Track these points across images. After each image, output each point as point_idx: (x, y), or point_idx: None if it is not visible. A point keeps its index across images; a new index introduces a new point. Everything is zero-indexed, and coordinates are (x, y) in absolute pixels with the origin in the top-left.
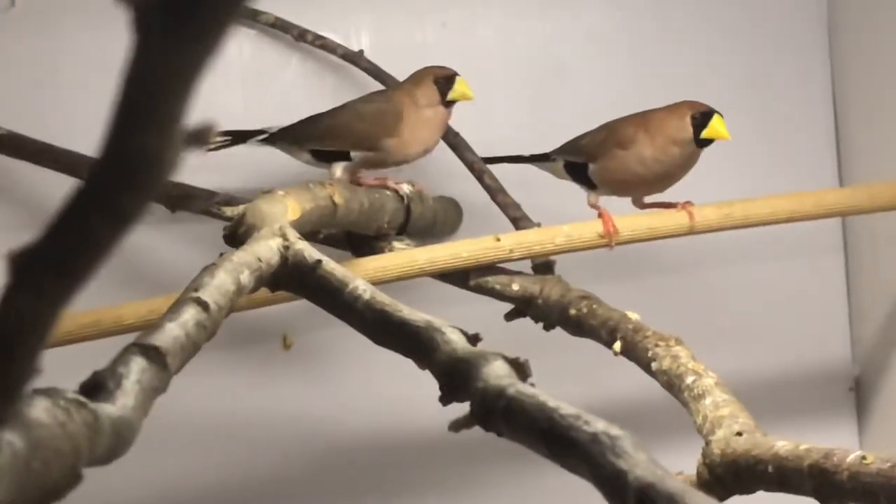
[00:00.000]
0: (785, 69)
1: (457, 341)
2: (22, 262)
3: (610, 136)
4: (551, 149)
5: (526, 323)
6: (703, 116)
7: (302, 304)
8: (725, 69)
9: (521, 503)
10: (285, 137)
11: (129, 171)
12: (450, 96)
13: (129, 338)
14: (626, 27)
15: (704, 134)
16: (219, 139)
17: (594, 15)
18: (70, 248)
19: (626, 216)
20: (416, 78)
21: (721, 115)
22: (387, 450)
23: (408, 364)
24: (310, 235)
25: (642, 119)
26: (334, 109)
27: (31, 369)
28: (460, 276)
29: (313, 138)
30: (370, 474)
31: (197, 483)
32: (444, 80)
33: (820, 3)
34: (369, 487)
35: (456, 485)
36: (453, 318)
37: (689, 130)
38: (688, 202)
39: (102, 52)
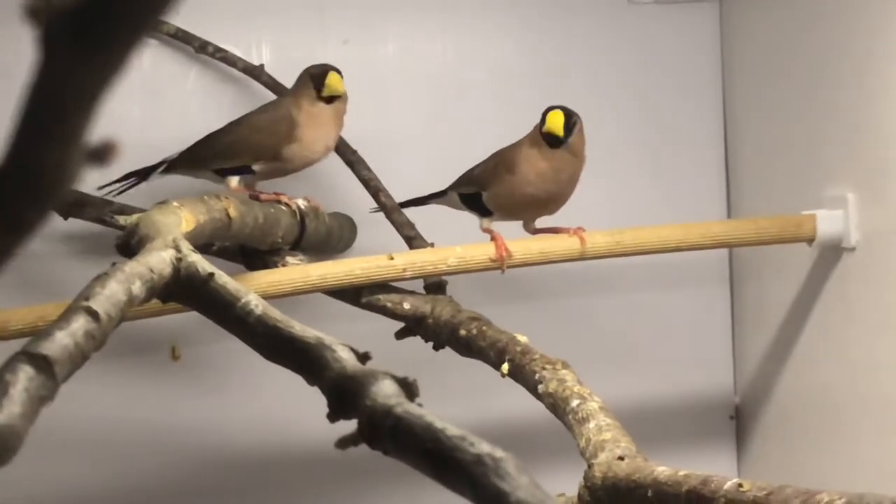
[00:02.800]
0: (679, 104)
1: (347, 359)
2: None
3: (499, 163)
4: (447, 169)
5: (416, 342)
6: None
7: (191, 316)
8: (622, 104)
9: None
10: (185, 162)
11: (29, 184)
12: (323, 92)
13: (14, 343)
14: (527, 58)
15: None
16: (122, 182)
17: (494, 43)
18: None
19: (518, 240)
20: (298, 79)
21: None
22: (272, 464)
23: (296, 380)
24: (203, 248)
25: (521, 143)
26: (229, 125)
27: None
28: (352, 294)
29: (214, 158)
30: (255, 487)
31: (81, 491)
32: (318, 75)
33: (714, 44)
34: (250, 498)
35: (340, 501)
36: (344, 335)
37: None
38: (579, 228)
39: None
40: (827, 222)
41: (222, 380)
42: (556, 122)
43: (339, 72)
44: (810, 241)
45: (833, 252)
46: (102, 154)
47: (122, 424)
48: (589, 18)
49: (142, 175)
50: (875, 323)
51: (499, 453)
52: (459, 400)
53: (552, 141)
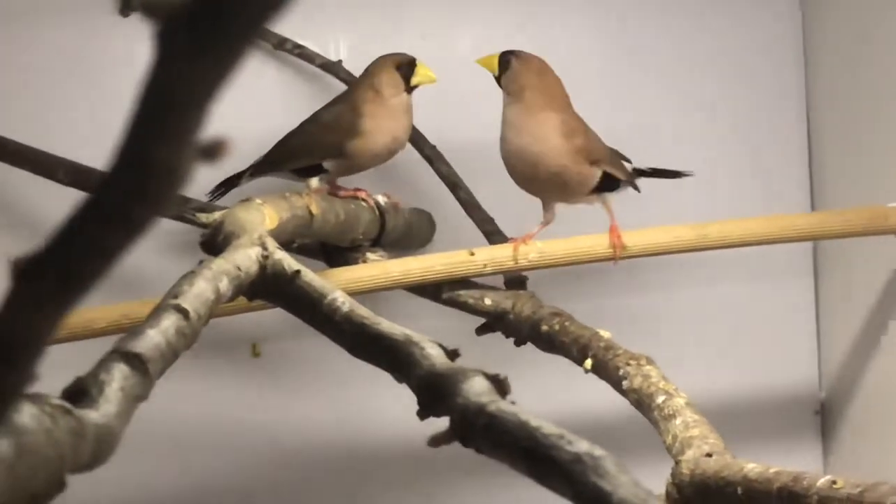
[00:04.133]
0: (759, 95)
1: (436, 356)
2: (25, 268)
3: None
4: None
5: (496, 337)
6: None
7: (271, 313)
8: (699, 94)
9: None
10: (266, 166)
11: (141, 183)
12: (413, 81)
13: (99, 342)
14: (602, 49)
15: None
16: (218, 192)
17: (573, 34)
18: (75, 257)
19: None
20: (375, 69)
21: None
22: (354, 461)
23: (377, 378)
24: (285, 245)
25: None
26: (300, 125)
27: (29, 376)
28: (432, 290)
29: (288, 159)
30: (336, 485)
31: (163, 489)
32: (406, 65)
33: (796, 28)
34: (332, 496)
35: (425, 498)
36: (424, 331)
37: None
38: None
39: (75, 53)
40: None
41: (303, 377)
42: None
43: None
44: None
45: None
46: (213, 151)
47: (202, 423)
48: (668, 8)
49: (230, 183)
50: None
51: (598, 451)
52: (541, 396)
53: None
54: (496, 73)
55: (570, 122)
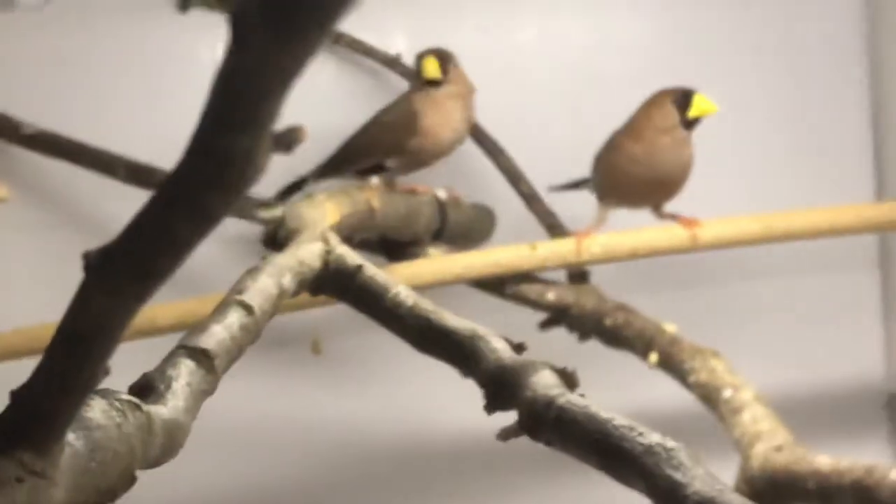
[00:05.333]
0: (823, 83)
1: (502, 350)
2: (99, 262)
3: (606, 150)
4: (588, 156)
5: (560, 333)
6: (684, 98)
7: (332, 310)
8: (761, 83)
9: None
10: (329, 168)
11: (216, 172)
12: (423, 76)
13: (160, 340)
14: (666, 41)
15: (691, 113)
16: (283, 196)
17: (631, 24)
18: (149, 248)
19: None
20: (421, 65)
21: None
22: (417, 458)
23: (440, 372)
24: (345, 240)
25: (628, 124)
26: (362, 127)
27: (102, 371)
28: (495, 284)
29: (352, 160)
30: (396, 480)
31: (223, 484)
32: (443, 57)
33: (861, 21)
34: (395, 493)
35: (493, 494)
36: (486, 326)
37: (675, 115)
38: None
39: (135, 50)
40: None
41: (364, 373)
42: (704, 106)
43: (438, 54)
44: None
45: None
46: (289, 140)
47: (264, 419)
48: (718, 2)
49: (297, 186)
50: None
51: (671, 443)
52: (606, 392)
53: (689, 124)
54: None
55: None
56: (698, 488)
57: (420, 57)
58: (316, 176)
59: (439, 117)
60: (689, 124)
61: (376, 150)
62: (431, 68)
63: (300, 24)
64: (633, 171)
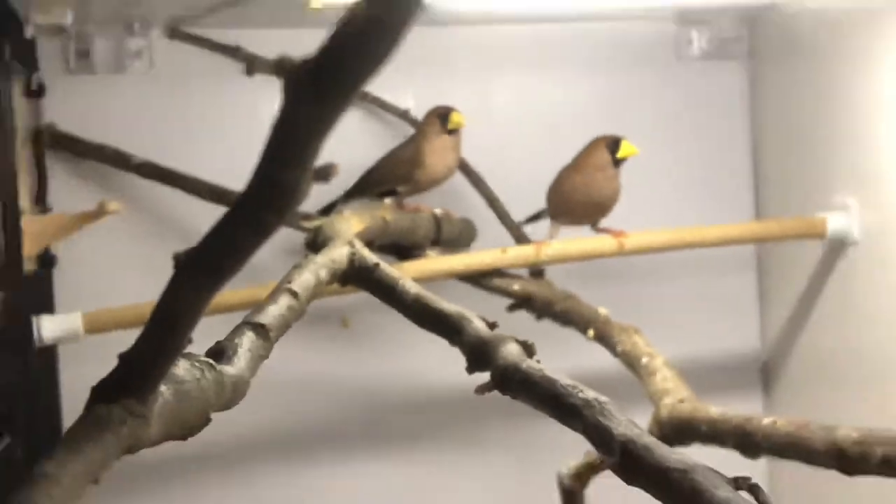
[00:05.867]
0: (716, 131)
1: (480, 327)
2: (185, 261)
3: (556, 181)
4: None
5: (522, 314)
6: (615, 143)
7: (356, 296)
8: (672, 132)
9: (522, 450)
10: (355, 192)
11: (271, 196)
12: (449, 126)
13: (231, 316)
14: (601, 103)
15: (619, 155)
16: (323, 213)
17: (575, 92)
18: (221, 252)
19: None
20: (425, 119)
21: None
22: (416, 403)
23: (438, 343)
24: (366, 245)
25: (572, 162)
26: (379, 161)
27: (186, 340)
28: (475, 278)
29: (372, 187)
30: (402, 420)
31: (273, 424)
32: (443, 114)
33: (745, 92)
34: (401, 429)
35: (472, 433)
36: (468, 308)
37: (607, 156)
38: (622, 232)
39: (214, 103)
40: (835, 223)
41: (380, 343)
42: (629, 150)
43: (458, 111)
44: (822, 237)
45: (840, 246)
46: (326, 173)
47: (305, 376)
48: (645, 71)
49: (332, 207)
50: (871, 302)
51: (603, 398)
52: (556, 359)
53: (617, 163)
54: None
55: None
56: (622, 431)
57: (439, 112)
58: (345, 199)
59: (437, 157)
60: (618, 163)
61: (391, 179)
62: (459, 119)
63: (335, 90)
64: (575, 198)
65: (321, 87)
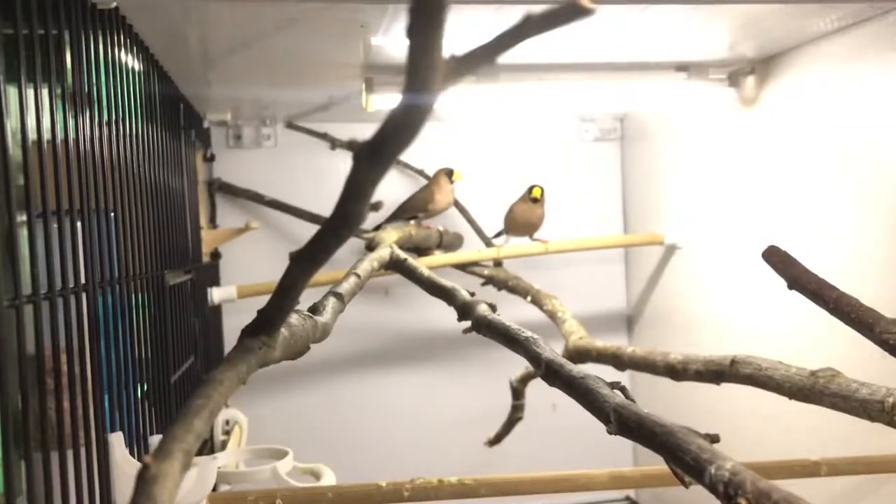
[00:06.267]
0: (601, 180)
1: (465, 295)
2: (295, 256)
3: (509, 211)
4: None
5: (489, 288)
6: (529, 191)
7: (393, 277)
8: (577, 183)
9: (490, 365)
10: (393, 217)
11: (345, 221)
12: (453, 179)
13: (316, 291)
14: (526, 164)
15: (532, 196)
16: (375, 229)
17: (518, 162)
18: (316, 251)
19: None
20: (437, 174)
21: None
22: (429, 340)
23: (439, 304)
24: (399, 247)
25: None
26: (407, 199)
27: (295, 302)
28: (462, 266)
29: (403, 214)
30: (421, 350)
31: (344, 354)
32: (449, 172)
33: (619, 162)
34: (421, 356)
35: (461, 356)
36: (458, 284)
37: (528, 197)
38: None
39: (310, 167)
40: (669, 236)
41: (407, 303)
42: (537, 192)
43: (457, 171)
44: (662, 244)
45: (672, 249)
46: (376, 207)
47: (359, 324)
48: (560, 147)
49: (380, 227)
50: (688, 282)
51: (535, 336)
52: (509, 313)
53: (534, 200)
54: (539, 197)
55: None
56: (547, 355)
57: (446, 171)
58: (387, 221)
59: (442, 197)
60: (535, 201)
61: (414, 209)
62: (459, 176)
63: (383, 159)
64: (518, 220)
65: (374, 156)
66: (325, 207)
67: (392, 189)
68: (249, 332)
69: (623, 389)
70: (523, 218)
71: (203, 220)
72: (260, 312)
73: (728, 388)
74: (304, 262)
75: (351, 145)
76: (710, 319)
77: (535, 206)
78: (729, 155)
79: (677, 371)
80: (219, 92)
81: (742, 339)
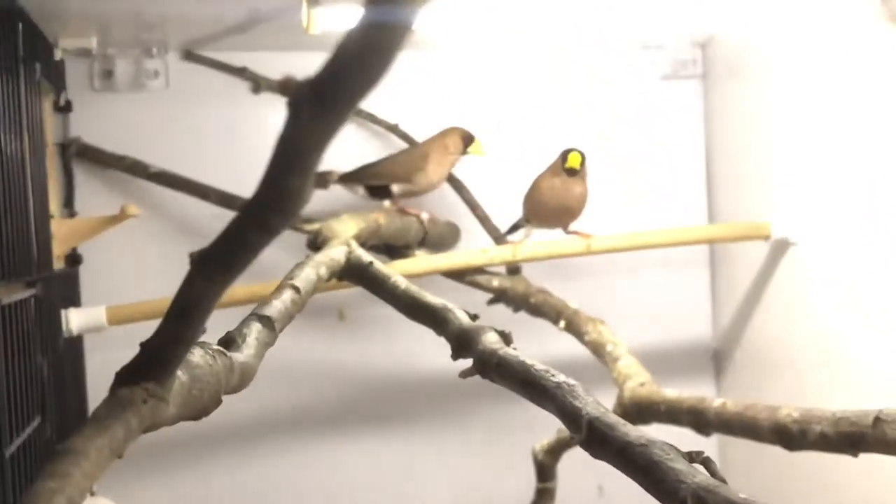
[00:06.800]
0: (677, 152)
1: (462, 318)
2: (198, 259)
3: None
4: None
5: (500, 307)
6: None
7: (352, 291)
8: (635, 156)
9: (501, 428)
10: (349, 179)
11: (277, 201)
12: (469, 150)
13: (236, 310)
14: (565, 119)
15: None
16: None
17: (546, 110)
18: (232, 251)
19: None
20: (448, 132)
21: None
22: (405, 387)
23: (424, 333)
24: (361, 245)
25: (545, 173)
26: (383, 158)
27: (200, 329)
28: (458, 275)
29: (365, 178)
30: (393, 402)
31: (277, 406)
32: (468, 138)
33: (700, 109)
34: (391, 410)
35: (456, 413)
36: (452, 302)
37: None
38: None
39: (224, 117)
40: (778, 226)
41: (372, 333)
42: (575, 160)
43: (465, 133)
44: (767, 238)
45: (783, 246)
46: (325, 180)
47: (305, 363)
48: (612, 90)
49: (322, 184)
50: (809, 297)
51: (572, 381)
52: (530, 346)
53: (571, 172)
54: (578, 167)
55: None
56: (589, 411)
57: (465, 134)
58: (337, 181)
59: (438, 168)
60: (572, 172)
61: (389, 175)
62: (479, 149)
63: (332, 107)
64: (546, 204)
65: (320, 105)
66: (245, 183)
67: (349, 153)
68: (128, 376)
69: (707, 462)
70: (555, 199)
71: (54, 205)
72: (144, 346)
73: (870, 460)
74: (213, 267)
75: (285, 86)
76: (840, 356)
77: (572, 182)
78: (871, 101)
79: (792, 435)
80: (77, 3)
81: (891, 385)
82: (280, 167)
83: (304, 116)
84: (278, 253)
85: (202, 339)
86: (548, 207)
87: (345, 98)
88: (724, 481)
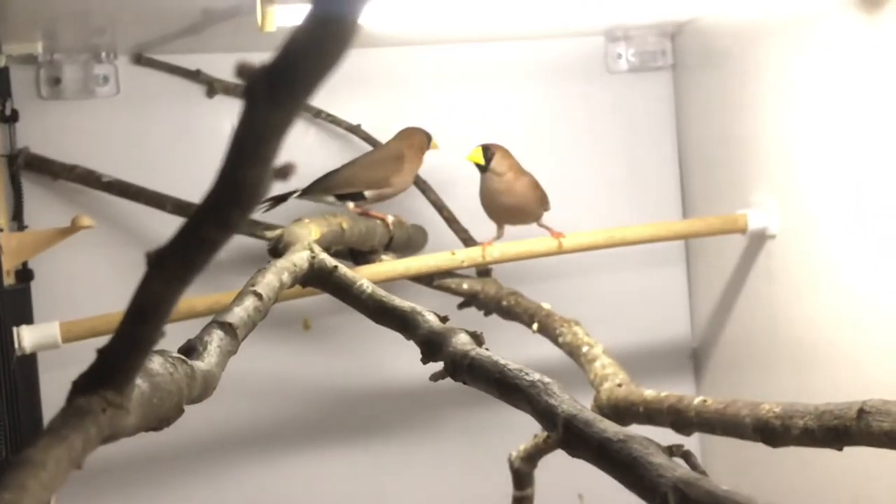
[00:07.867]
0: (648, 146)
1: (433, 321)
2: (156, 258)
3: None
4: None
5: (471, 311)
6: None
7: (317, 298)
8: (605, 150)
9: (475, 434)
10: (314, 190)
11: (235, 194)
12: (430, 147)
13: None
14: (539, 115)
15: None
16: (266, 203)
17: (515, 107)
18: (190, 248)
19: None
20: (410, 132)
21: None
22: (374, 395)
23: (394, 338)
24: (324, 250)
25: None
26: (346, 164)
27: (158, 334)
28: (427, 279)
29: (336, 187)
30: (362, 412)
31: (240, 417)
32: (429, 135)
33: (670, 101)
34: (362, 420)
35: (428, 420)
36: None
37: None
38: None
39: (178, 122)
40: (755, 219)
41: (339, 342)
42: (474, 155)
43: (427, 134)
44: (743, 232)
45: (760, 240)
46: (284, 172)
47: (269, 373)
48: (579, 84)
49: (280, 199)
50: (788, 291)
51: (547, 379)
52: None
53: (481, 169)
54: (482, 162)
55: (534, 183)
56: (566, 408)
57: (425, 133)
58: (300, 195)
59: (412, 165)
60: (484, 169)
61: (362, 182)
62: (436, 144)
63: (289, 93)
64: (490, 203)
65: (276, 90)
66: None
67: (310, 153)
68: (85, 385)
69: (688, 455)
70: (492, 198)
71: (2, 218)
72: (101, 353)
73: (855, 453)
74: (171, 266)
75: (242, 71)
76: (823, 350)
77: (507, 179)
78: (845, 89)
79: (774, 431)
80: (21, 5)
81: (876, 378)
82: (237, 157)
83: (261, 103)
84: (239, 261)
85: (161, 346)
86: (491, 208)
87: (300, 83)
88: (704, 474)
